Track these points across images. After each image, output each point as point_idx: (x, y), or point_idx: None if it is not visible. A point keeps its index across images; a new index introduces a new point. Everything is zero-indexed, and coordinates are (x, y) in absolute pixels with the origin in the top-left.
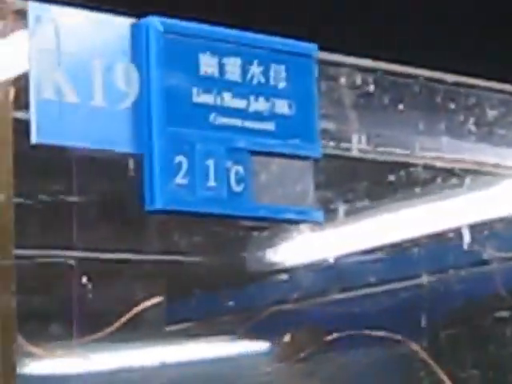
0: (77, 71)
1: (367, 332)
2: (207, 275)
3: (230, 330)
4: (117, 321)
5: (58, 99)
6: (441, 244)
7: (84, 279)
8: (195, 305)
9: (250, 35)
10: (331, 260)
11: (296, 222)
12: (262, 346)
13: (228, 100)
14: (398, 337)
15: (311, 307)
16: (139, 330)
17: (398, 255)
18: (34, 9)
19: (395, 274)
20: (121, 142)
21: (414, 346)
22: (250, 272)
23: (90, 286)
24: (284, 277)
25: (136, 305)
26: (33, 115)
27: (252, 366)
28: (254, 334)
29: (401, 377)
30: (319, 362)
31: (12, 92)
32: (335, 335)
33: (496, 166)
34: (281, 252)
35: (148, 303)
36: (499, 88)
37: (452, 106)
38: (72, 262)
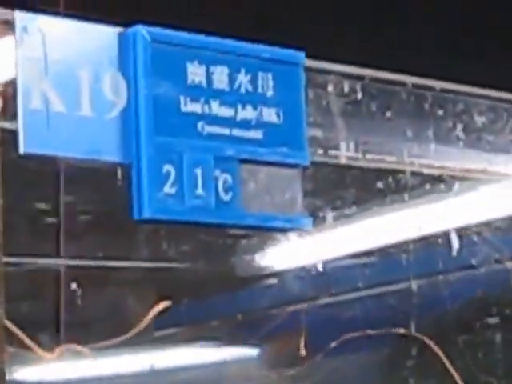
0: (64, 80)
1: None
2: (195, 281)
3: (219, 335)
4: (106, 327)
5: (46, 108)
6: (429, 249)
7: (73, 286)
8: (184, 310)
9: (237, 44)
10: (319, 266)
11: (284, 230)
12: (250, 351)
13: (216, 108)
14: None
15: (300, 312)
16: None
17: (386, 261)
18: (20, 19)
19: (383, 279)
20: (109, 152)
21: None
22: (238, 278)
23: (79, 293)
24: (272, 282)
25: (126, 312)
26: (20, 125)
27: (240, 371)
28: (243, 339)
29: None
30: (308, 367)
31: None
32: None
33: (484, 171)
34: (269, 258)
35: (158, 308)
36: (487, 94)
37: (440, 112)
38: (61, 269)
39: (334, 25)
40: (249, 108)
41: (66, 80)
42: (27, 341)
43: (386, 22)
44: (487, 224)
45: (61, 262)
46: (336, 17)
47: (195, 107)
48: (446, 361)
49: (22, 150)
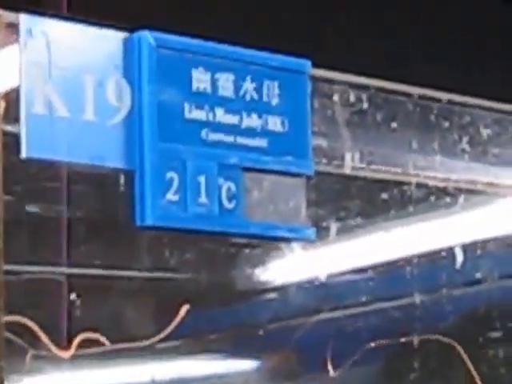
0: (68, 85)
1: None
2: (197, 292)
3: (220, 348)
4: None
5: (49, 113)
6: (433, 263)
7: (73, 295)
8: (186, 322)
9: (243, 51)
10: (322, 278)
11: (288, 240)
12: (251, 364)
13: (220, 116)
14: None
15: (301, 326)
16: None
17: (390, 274)
18: (25, 22)
19: (386, 292)
20: (112, 158)
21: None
22: (240, 290)
23: (78, 303)
24: (274, 295)
25: (125, 322)
26: (23, 129)
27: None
28: (244, 351)
29: None
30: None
31: (2, 105)
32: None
33: (490, 184)
34: (271, 270)
35: (181, 313)
36: (493, 107)
37: (446, 124)
38: (61, 277)
39: (341, 34)
40: (254, 116)
41: (70, 84)
42: (43, 339)
43: (396, 31)
44: (493, 239)
45: (62, 271)
46: (343, 26)
47: (200, 114)
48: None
49: (24, 154)
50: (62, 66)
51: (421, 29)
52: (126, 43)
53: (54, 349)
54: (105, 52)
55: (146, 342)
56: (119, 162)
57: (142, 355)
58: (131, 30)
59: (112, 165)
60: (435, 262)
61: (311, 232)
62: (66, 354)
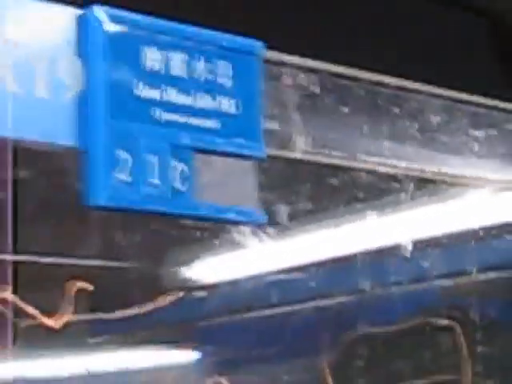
0: (19, 61)
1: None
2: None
3: (157, 340)
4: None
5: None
6: (381, 253)
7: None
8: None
9: (197, 30)
10: (267, 269)
11: (238, 223)
12: (188, 357)
13: (173, 96)
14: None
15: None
16: (64, 340)
17: (337, 264)
18: None
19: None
20: (63, 135)
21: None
22: (178, 283)
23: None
24: (215, 290)
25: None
26: None
27: (176, 377)
28: (180, 345)
29: None
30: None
31: None
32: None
33: (439, 173)
34: (216, 264)
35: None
36: (443, 94)
37: (396, 110)
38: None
39: (294, 17)
40: (206, 97)
41: (22, 60)
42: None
43: (346, 16)
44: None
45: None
46: (297, 9)
47: (152, 93)
48: None
49: None
50: (13, 41)
51: (374, 14)
52: (80, 19)
53: (45, 320)
54: (57, 28)
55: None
56: (70, 140)
57: (77, 347)
58: (84, 6)
59: (63, 143)
60: (383, 252)
61: (261, 215)
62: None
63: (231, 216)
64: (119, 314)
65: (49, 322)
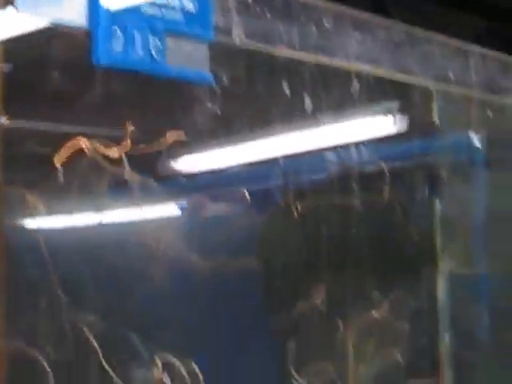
0: None
1: None
2: None
3: None
4: None
5: None
6: None
7: None
8: None
9: None
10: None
11: (195, 82)
12: None
13: None
14: None
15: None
16: None
17: None
18: None
19: None
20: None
21: None
22: None
23: None
24: None
25: None
26: None
27: None
28: None
29: None
30: None
31: None
32: None
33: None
34: None
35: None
36: None
37: None
38: None
39: None
40: None
41: None
42: None
43: None
44: None
45: None
46: None
47: None
48: None
49: None
50: None
51: None
52: None
53: None
54: None
55: None
56: (82, 22)
57: None
58: None
59: (75, 24)
60: None
61: (211, 77)
62: None
63: (191, 75)
64: None
65: None
